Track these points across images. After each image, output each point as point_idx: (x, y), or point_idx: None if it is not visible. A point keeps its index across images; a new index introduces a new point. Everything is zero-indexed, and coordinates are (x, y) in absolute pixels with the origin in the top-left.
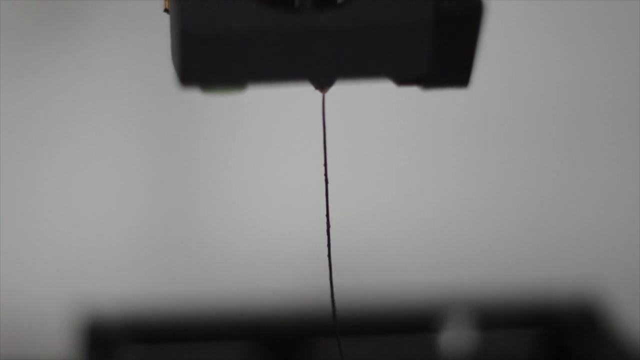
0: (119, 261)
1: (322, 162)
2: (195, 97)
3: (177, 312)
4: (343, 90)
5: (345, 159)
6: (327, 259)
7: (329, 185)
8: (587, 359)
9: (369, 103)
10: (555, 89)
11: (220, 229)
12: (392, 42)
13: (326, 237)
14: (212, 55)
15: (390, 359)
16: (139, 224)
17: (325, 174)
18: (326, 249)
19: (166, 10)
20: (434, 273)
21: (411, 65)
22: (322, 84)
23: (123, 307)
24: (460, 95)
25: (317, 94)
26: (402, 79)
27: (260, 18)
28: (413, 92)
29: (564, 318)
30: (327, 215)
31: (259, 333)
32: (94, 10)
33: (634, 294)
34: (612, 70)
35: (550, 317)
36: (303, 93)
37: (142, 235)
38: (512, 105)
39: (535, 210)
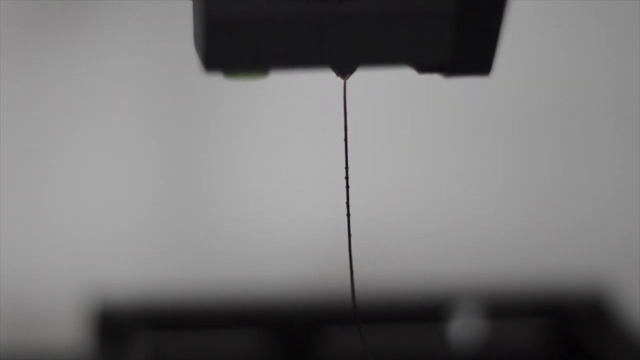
0: (130, 248)
1: (335, 150)
2: (208, 85)
3: (188, 298)
4: (362, 78)
5: (359, 148)
6: (338, 247)
7: (348, 172)
8: (596, 349)
9: (387, 91)
10: (570, 78)
11: (232, 215)
12: (416, 29)
13: (346, 226)
14: (236, 41)
15: (400, 348)
16: (149, 210)
17: (346, 162)
18: (338, 238)
19: None
20: (444, 262)
21: (434, 52)
22: (344, 71)
23: (134, 293)
24: (477, 86)
25: (335, 81)
26: (424, 67)
27: (285, 3)
28: (432, 81)
29: (573, 309)
30: (347, 204)
31: (270, 320)
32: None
33: None
34: (620, 65)
35: (559, 307)
36: (321, 80)
37: (153, 222)
38: (527, 95)
39: (546, 200)
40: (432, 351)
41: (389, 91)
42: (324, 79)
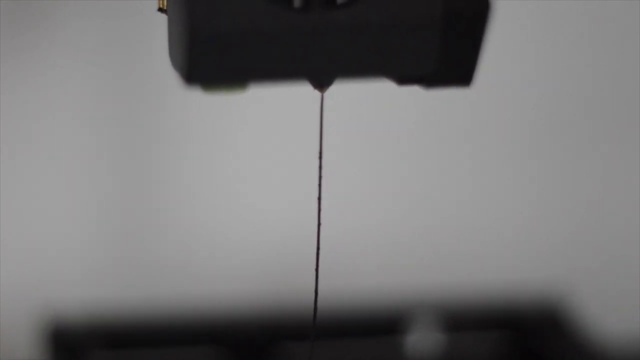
0: (82, 265)
1: (293, 159)
2: (158, 91)
3: (143, 316)
4: (339, 91)
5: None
6: (294, 262)
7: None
8: (551, 359)
9: (365, 103)
10: (551, 87)
11: (188, 232)
12: (399, 40)
13: (316, 238)
14: (217, 54)
15: None
16: (103, 228)
17: (320, 177)
18: (293, 252)
19: (161, 10)
20: (399, 276)
21: (417, 64)
22: (322, 84)
23: (87, 312)
24: (457, 96)
25: (311, 94)
26: (404, 79)
27: (268, 16)
28: (410, 93)
29: (529, 320)
30: (319, 217)
31: (226, 337)
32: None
33: (599, 295)
34: (615, 68)
35: (515, 319)
36: (297, 93)
37: (106, 239)
38: (497, 106)
39: (499, 212)
40: None
41: (368, 103)
42: (305, 92)
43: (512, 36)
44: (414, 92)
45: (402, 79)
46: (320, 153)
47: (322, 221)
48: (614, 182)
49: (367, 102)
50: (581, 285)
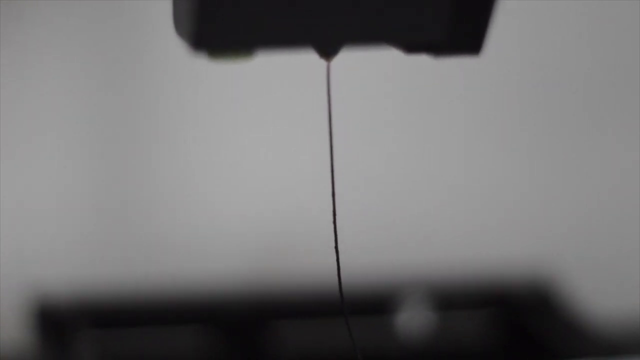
0: (70, 245)
1: (284, 135)
2: (141, 75)
3: (131, 295)
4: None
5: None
6: (287, 240)
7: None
8: (542, 338)
9: (369, 76)
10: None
11: (177, 209)
12: (409, 5)
13: (331, 217)
14: (226, 19)
15: (345, 341)
16: (90, 206)
17: (332, 155)
18: (287, 230)
19: None
20: (390, 254)
21: (427, 30)
22: (329, 52)
23: (75, 291)
24: (453, 80)
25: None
26: (412, 46)
27: None
28: (415, 65)
29: (519, 298)
30: (333, 195)
31: (217, 316)
32: None
33: (588, 273)
34: (616, 59)
35: (505, 297)
36: (302, 62)
37: (94, 217)
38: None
39: (489, 189)
40: (379, 344)
41: (371, 84)
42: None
43: (509, 30)
44: (411, 74)
45: (411, 47)
46: (330, 128)
47: (317, 202)
48: (605, 161)
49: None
50: (571, 263)
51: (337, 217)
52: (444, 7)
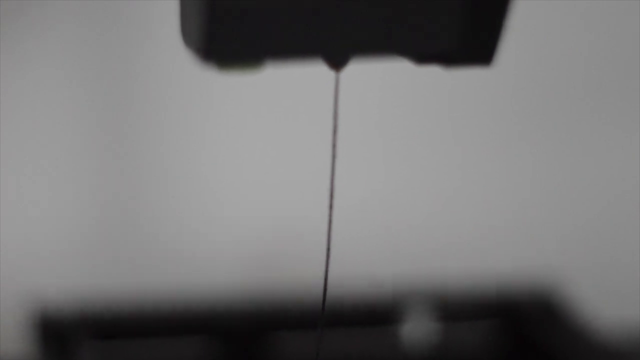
0: (71, 255)
1: (284, 143)
2: (140, 80)
3: (133, 306)
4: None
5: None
6: (285, 252)
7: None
8: (547, 348)
9: (380, 88)
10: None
11: (177, 220)
12: (420, 14)
13: (327, 227)
14: (235, 30)
15: (351, 351)
16: (91, 217)
17: (333, 166)
18: (284, 241)
19: None
20: (394, 264)
21: (437, 40)
22: (338, 62)
23: (76, 302)
24: (456, 91)
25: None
26: (423, 57)
27: None
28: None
29: (524, 308)
30: (331, 207)
31: (218, 327)
32: None
33: (593, 282)
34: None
35: (509, 306)
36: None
37: (95, 228)
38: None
39: (493, 198)
40: (384, 354)
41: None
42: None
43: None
44: (416, 85)
45: (421, 58)
46: (335, 138)
47: (316, 210)
48: (608, 170)
49: (380, 92)
50: (576, 273)
51: (341, 227)
52: (455, 18)
